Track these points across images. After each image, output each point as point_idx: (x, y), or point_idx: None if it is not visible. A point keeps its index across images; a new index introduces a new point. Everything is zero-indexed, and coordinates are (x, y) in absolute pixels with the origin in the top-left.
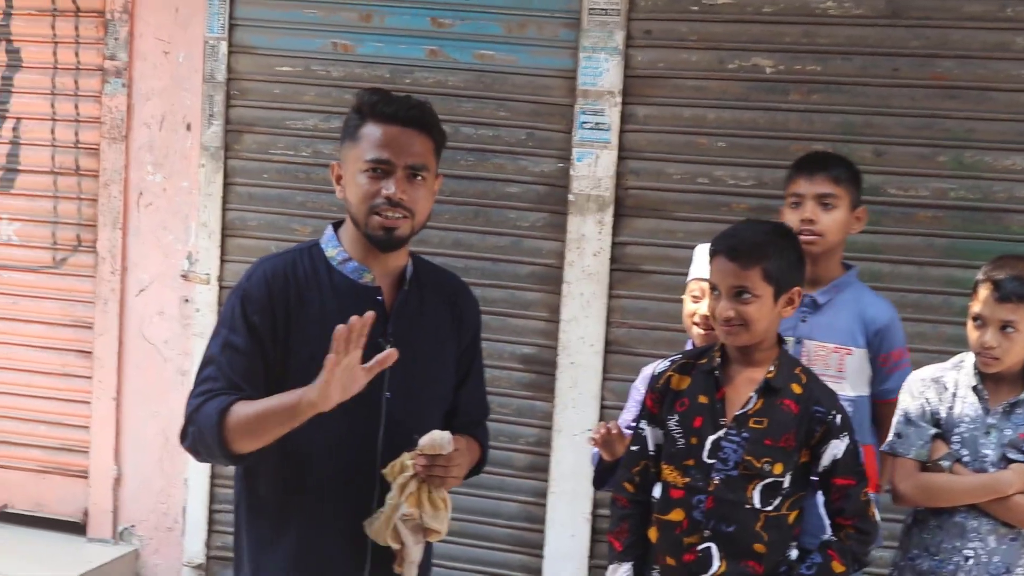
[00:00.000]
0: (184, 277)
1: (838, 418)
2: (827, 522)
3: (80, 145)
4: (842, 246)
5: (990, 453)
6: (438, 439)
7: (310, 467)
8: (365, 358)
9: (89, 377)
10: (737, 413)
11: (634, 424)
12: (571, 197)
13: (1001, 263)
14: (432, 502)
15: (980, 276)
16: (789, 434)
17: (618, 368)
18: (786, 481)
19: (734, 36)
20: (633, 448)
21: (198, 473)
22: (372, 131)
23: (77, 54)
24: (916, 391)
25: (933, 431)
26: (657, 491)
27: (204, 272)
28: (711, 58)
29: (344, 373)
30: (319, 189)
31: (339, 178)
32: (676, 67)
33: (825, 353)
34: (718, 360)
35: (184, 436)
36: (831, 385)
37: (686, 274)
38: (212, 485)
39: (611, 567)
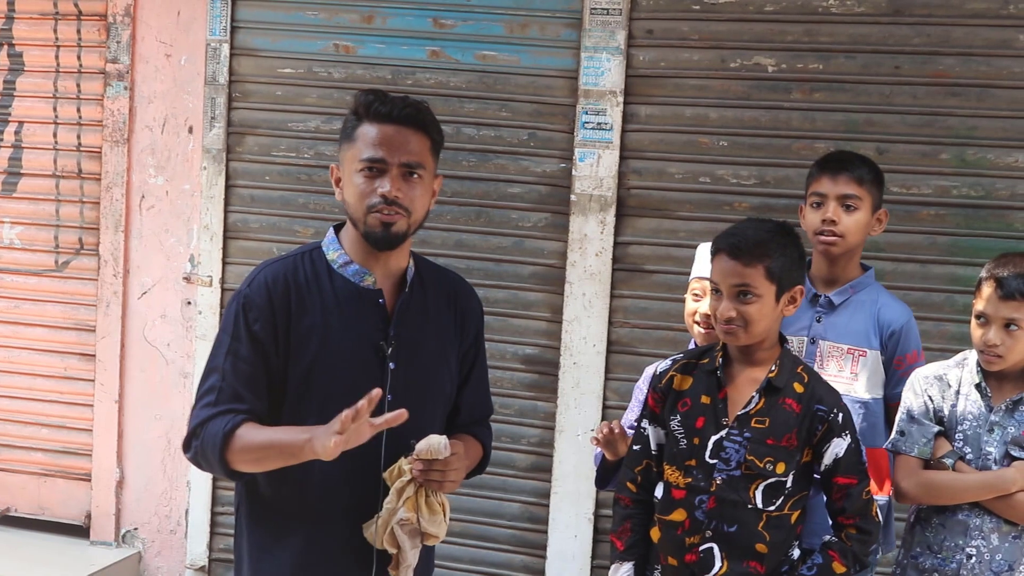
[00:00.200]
0: (186, 280)
1: (840, 416)
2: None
3: (82, 148)
4: (861, 247)
5: (993, 451)
6: (435, 444)
7: (313, 471)
8: (368, 360)
9: (91, 380)
10: (739, 413)
11: (636, 424)
12: (573, 197)
13: (1004, 261)
14: (430, 506)
15: (983, 274)
16: (791, 433)
17: (620, 368)
18: (789, 481)
19: (736, 35)
20: (635, 447)
21: (200, 476)
22: (367, 131)
23: (79, 57)
24: (919, 389)
25: (936, 429)
26: (659, 491)
27: (206, 274)
28: (713, 57)
29: (352, 433)
30: (321, 191)
31: (338, 180)
32: (678, 66)
33: (839, 354)
34: (720, 360)
35: (188, 447)
36: (844, 387)
37: (688, 274)
38: (214, 488)
39: (613, 566)
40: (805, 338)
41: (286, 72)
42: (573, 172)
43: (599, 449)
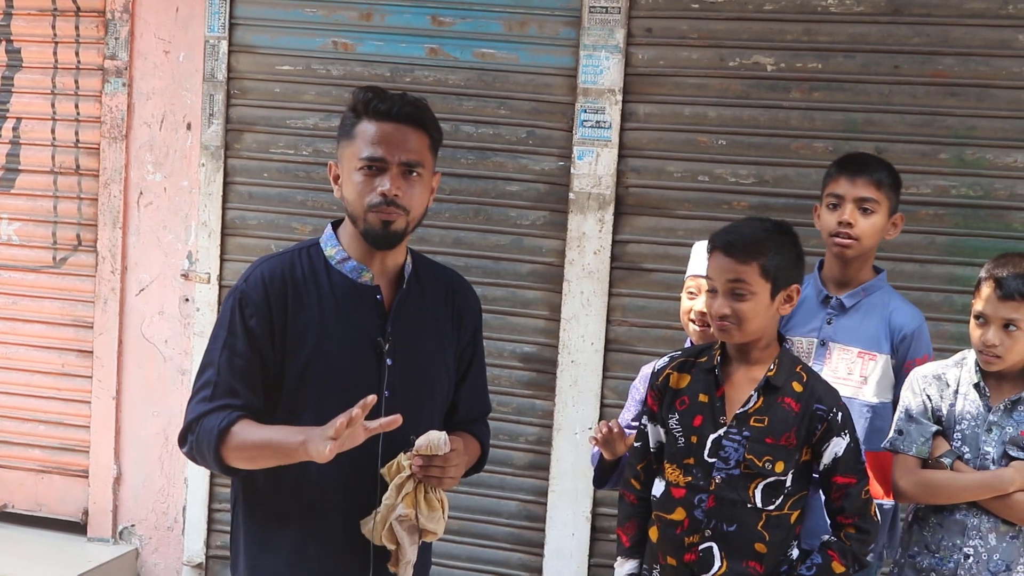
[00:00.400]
0: (184, 276)
1: (839, 416)
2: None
3: (80, 145)
4: (875, 250)
5: (991, 450)
6: (434, 439)
7: (310, 467)
8: (366, 357)
9: (89, 376)
10: (738, 412)
11: (635, 423)
12: (572, 195)
13: (1004, 261)
14: (429, 503)
15: (983, 274)
16: (790, 432)
17: (618, 366)
18: (788, 480)
19: (735, 34)
20: (637, 444)
21: (198, 472)
22: (367, 129)
23: (77, 54)
24: (917, 388)
25: (934, 428)
26: (659, 489)
27: (204, 271)
28: (712, 56)
29: (346, 438)
30: (319, 188)
31: (336, 177)
32: (677, 65)
33: (849, 357)
34: (718, 358)
35: (183, 442)
36: (853, 390)
37: (686, 272)
38: (212, 484)
39: (619, 560)
40: (815, 339)
41: (285, 69)
42: (572, 170)
43: (596, 448)
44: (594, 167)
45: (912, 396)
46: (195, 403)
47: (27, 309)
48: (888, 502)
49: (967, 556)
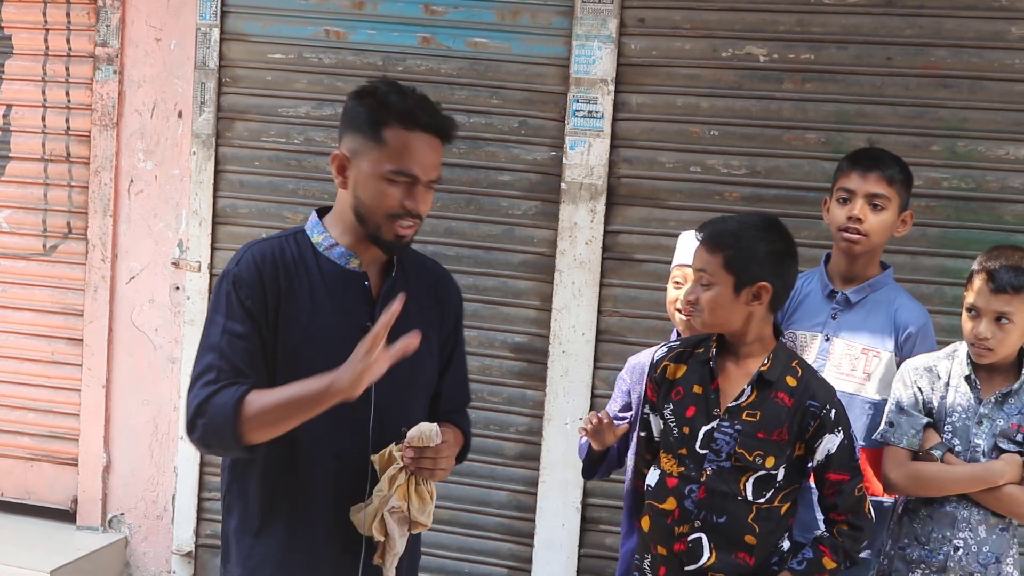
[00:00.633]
0: (175, 265)
1: (832, 413)
2: (820, 517)
3: (71, 132)
4: (883, 246)
5: (982, 443)
6: (426, 431)
7: (302, 454)
8: (355, 342)
9: (79, 365)
10: (730, 405)
11: (622, 414)
12: (563, 185)
13: (996, 254)
14: (419, 495)
15: (975, 267)
16: (782, 428)
17: (610, 356)
18: (780, 474)
19: (727, 24)
20: (642, 434)
21: (187, 461)
22: (399, 138)
23: (68, 41)
24: (909, 380)
25: (925, 420)
26: (653, 478)
27: (195, 260)
28: (704, 46)
29: (373, 365)
30: (311, 177)
31: (343, 168)
32: (669, 55)
33: (853, 353)
34: (714, 350)
35: (192, 428)
36: (855, 387)
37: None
38: (201, 473)
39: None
40: (819, 334)
41: (276, 57)
42: (564, 160)
43: (584, 439)
44: (586, 157)
45: (903, 388)
46: (199, 388)
47: (17, 297)
48: (889, 499)
49: (957, 548)
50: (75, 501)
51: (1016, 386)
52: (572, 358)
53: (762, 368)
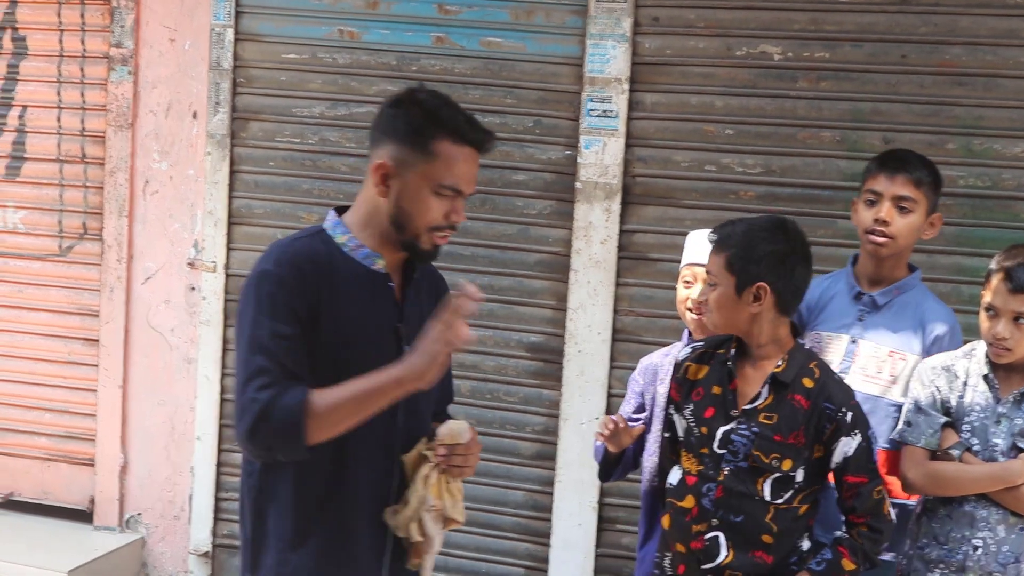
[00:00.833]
0: (190, 265)
1: (848, 415)
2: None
3: (86, 133)
4: (911, 249)
5: (1000, 442)
6: (456, 428)
7: (340, 457)
8: (387, 343)
9: (95, 365)
10: (746, 407)
11: (636, 415)
12: (578, 185)
13: (1014, 253)
14: (451, 492)
15: (992, 266)
16: (798, 431)
17: (625, 356)
18: (798, 476)
19: (742, 23)
20: (667, 435)
21: (204, 461)
22: (451, 152)
23: (83, 42)
24: (927, 379)
25: (943, 420)
26: (675, 477)
27: (210, 260)
28: (719, 45)
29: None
30: (325, 176)
31: (385, 177)
32: (684, 54)
33: (879, 356)
34: (733, 351)
35: (254, 433)
36: (881, 390)
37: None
38: (218, 473)
39: None
40: (846, 336)
41: (290, 58)
42: (578, 160)
43: (600, 443)
44: (601, 156)
45: (921, 387)
46: (254, 391)
47: (33, 297)
48: (913, 502)
49: (976, 548)
50: (92, 501)
51: None
52: (588, 357)
53: (776, 370)
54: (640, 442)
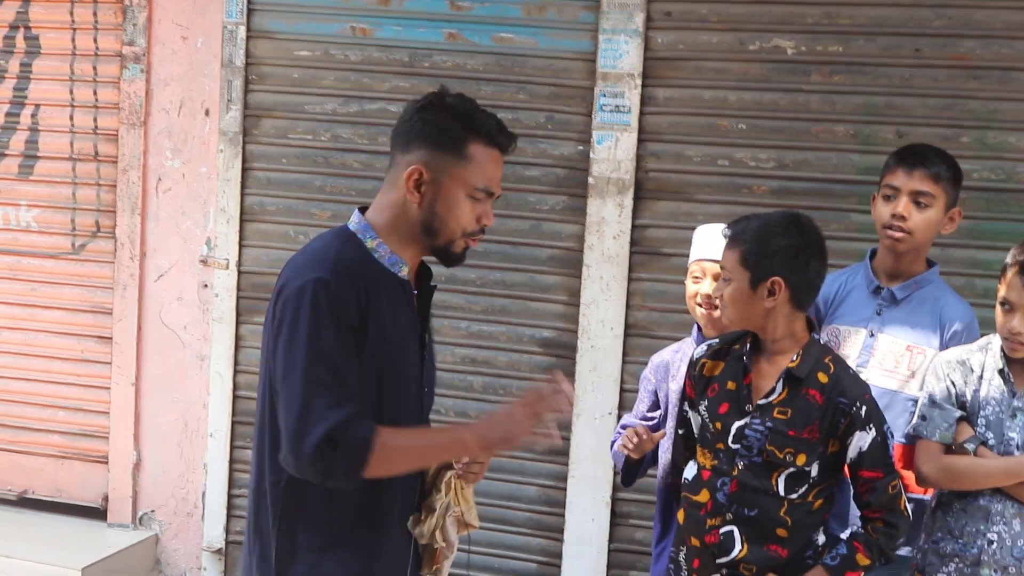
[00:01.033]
0: (203, 262)
1: (863, 410)
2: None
3: (99, 131)
4: (930, 244)
5: (1015, 436)
6: None
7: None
8: (414, 351)
9: (108, 363)
10: (760, 402)
11: (650, 414)
12: (591, 180)
13: None
14: (466, 498)
15: (1008, 260)
16: (812, 426)
17: (638, 351)
18: (813, 471)
19: (755, 17)
20: (681, 432)
21: (217, 458)
22: (484, 155)
23: (96, 40)
24: (941, 373)
25: (958, 414)
26: (691, 472)
27: (223, 257)
28: (732, 39)
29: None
30: (338, 174)
31: (419, 184)
32: (696, 49)
33: (897, 350)
34: (747, 346)
35: (319, 455)
36: (899, 384)
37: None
38: (231, 470)
39: None
40: (864, 330)
41: (303, 55)
42: (591, 155)
43: (617, 449)
44: (613, 152)
45: (936, 381)
46: (322, 409)
47: (46, 296)
48: (929, 497)
49: (991, 542)
50: (106, 499)
51: None
52: (601, 353)
53: (790, 365)
54: None
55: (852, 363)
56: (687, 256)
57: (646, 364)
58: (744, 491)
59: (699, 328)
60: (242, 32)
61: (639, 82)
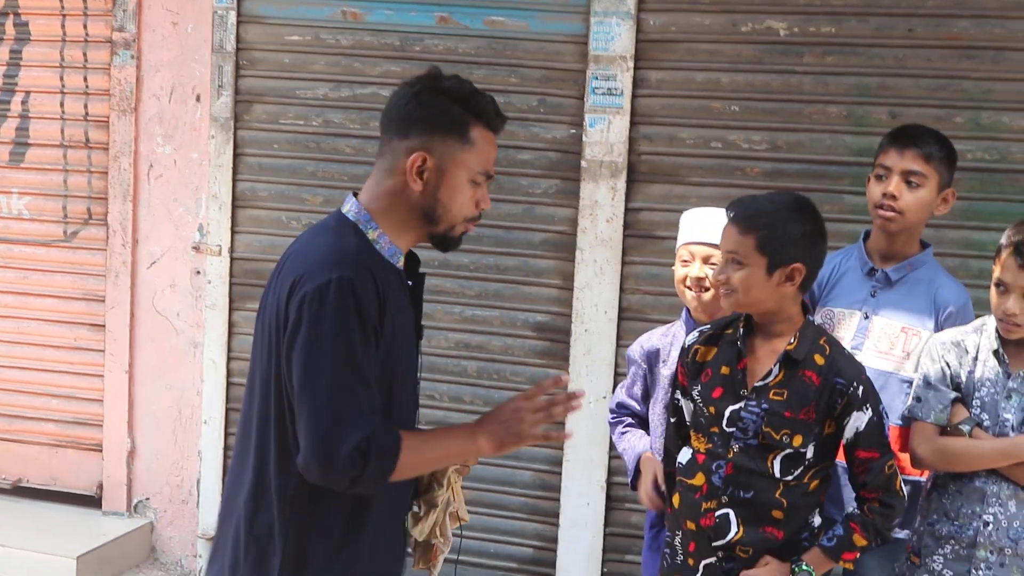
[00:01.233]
0: (195, 249)
1: (860, 390)
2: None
3: (89, 118)
4: (923, 225)
5: (1010, 417)
6: None
7: None
8: (413, 345)
9: (101, 350)
10: (757, 384)
11: (669, 398)
12: (584, 163)
13: None
14: (457, 492)
15: (1003, 241)
16: (809, 406)
17: (632, 335)
18: (809, 452)
19: None
20: (672, 420)
21: (211, 445)
22: (484, 137)
23: (85, 26)
24: (936, 354)
25: (953, 395)
26: (685, 456)
27: (215, 243)
28: (724, 21)
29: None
30: (329, 159)
31: (421, 171)
32: (689, 31)
33: (892, 332)
34: (741, 331)
35: (350, 461)
36: (894, 365)
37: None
38: (226, 457)
39: None
40: (858, 312)
41: (294, 39)
42: (583, 138)
43: (629, 452)
44: (606, 135)
45: (931, 363)
46: (354, 416)
47: (39, 283)
48: (924, 479)
49: (986, 523)
50: (100, 487)
51: None
52: (595, 337)
53: (788, 347)
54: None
55: (847, 345)
56: None
57: None
58: (740, 474)
59: (688, 312)
60: (232, 17)
61: (631, 64)
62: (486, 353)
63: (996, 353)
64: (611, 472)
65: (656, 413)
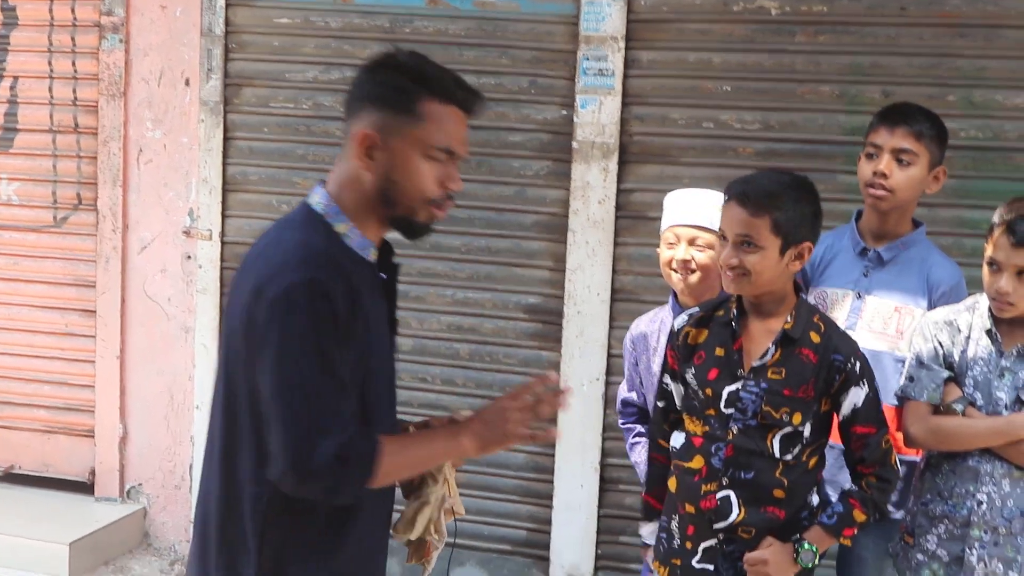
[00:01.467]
0: (186, 233)
1: (857, 366)
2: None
3: (78, 102)
4: (914, 204)
5: (1003, 396)
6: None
7: None
8: (387, 342)
9: (92, 336)
10: (755, 364)
11: (659, 380)
12: (575, 144)
13: (1017, 206)
14: (452, 486)
15: (995, 219)
16: (807, 384)
17: (625, 316)
18: (806, 431)
19: None
20: (661, 404)
21: (204, 431)
22: (439, 112)
23: (73, 10)
24: (929, 333)
25: (946, 374)
26: (678, 440)
27: (206, 228)
28: (715, 1)
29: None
30: (320, 142)
31: (370, 149)
32: (680, 10)
33: (885, 311)
34: (734, 311)
35: (330, 473)
36: (888, 345)
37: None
38: None
39: (648, 525)
40: (851, 292)
41: (283, 22)
42: (575, 119)
43: (642, 466)
44: (597, 116)
45: (923, 342)
46: (329, 424)
47: (29, 269)
48: (918, 458)
49: (980, 503)
50: (92, 473)
51: None
52: (587, 318)
53: (786, 326)
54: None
55: (840, 325)
56: None
57: None
58: (740, 455)
59: (675, 295)
60: (221, 0)
61: (622, 45)
62: (478, 335)
63: (989, 332)
64: (604, 454)
65: (649, 400)
